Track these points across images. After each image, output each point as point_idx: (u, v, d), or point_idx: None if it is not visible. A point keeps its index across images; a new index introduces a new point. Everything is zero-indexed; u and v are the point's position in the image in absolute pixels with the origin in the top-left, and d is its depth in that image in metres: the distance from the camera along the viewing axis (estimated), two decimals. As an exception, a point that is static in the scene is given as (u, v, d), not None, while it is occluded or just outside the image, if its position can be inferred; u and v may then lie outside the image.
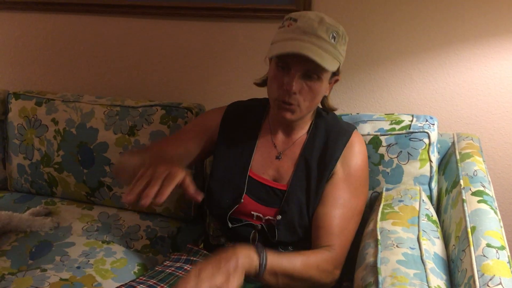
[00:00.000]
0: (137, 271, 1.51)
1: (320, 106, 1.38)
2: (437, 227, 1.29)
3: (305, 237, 1.30)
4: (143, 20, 1.94)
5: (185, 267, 1.34)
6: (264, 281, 1.13)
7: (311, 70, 1.20)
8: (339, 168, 1.32)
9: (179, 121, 1.69)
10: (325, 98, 1.35)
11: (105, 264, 1.50)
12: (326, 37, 1.19)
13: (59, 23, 2.05)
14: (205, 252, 1.41)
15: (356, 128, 1.40)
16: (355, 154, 1.34)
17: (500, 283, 0.95)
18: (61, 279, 1.41)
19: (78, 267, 1.48)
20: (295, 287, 1.19)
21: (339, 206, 1.28)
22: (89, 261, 1.51)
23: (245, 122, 1.40)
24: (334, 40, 1.20)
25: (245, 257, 1.09)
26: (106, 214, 1.76)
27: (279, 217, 1.29)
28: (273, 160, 1.36)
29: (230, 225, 1.32)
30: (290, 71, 1.21)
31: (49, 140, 1.82)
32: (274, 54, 1.20)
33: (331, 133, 1.34)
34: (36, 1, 2.02)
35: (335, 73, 1.29)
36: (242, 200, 1.32)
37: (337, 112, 1.47)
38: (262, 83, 1.38)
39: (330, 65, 1.20)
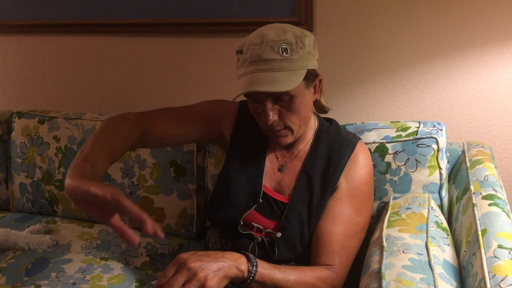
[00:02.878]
0: (134, 288, 1.45)
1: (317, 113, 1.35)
2: (448, 234, 1.22)
3: (306, 254, 1.25)
4: (147, 39, 1.95)
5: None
6: None
7: (277, 95, 1.14)
8: (342, 181, 1.26)
9: (180, 135, 1.66)
10: (317, 102, 1.29)
11: (102, 280, 1.45)
12: (275, 55, 1.12)
13: (64, 44, 2.07)
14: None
15: (360, 139, 1.34)
16: (360, 167, 1.28)
17: (514, 283, 0.88)
18: (54, 295, 1.37)
19: (74, 283, 1.43)
20: None
21: (341, 223, 1.23)
22: (85, 277, 1.46)
23: (255, 129, 1.31)
24: (287, 52, 1.12)
25: (233, 261, 1.04)
26: (106, 232, 1.71)
27: (279, 234, 1.24)
28: (276, 172, 1.31)
29: (239, 229, 1.26)
30: (259, 101, 1.17)
31: (50, 158, 1.80)
32: (234, 97, 1.15)
33: (334, 145, 1.29)
34: (42, 23, 2.05)
35: (311, 78, 1.21)
36: (261, 200, 1.27)
37: (341, 122, 1.43)
38: None
39: (290, 83, 1.12)
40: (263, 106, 1.16)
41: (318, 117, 1.36)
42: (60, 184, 1.79)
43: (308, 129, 1.31)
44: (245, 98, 1.23)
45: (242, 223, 1.26)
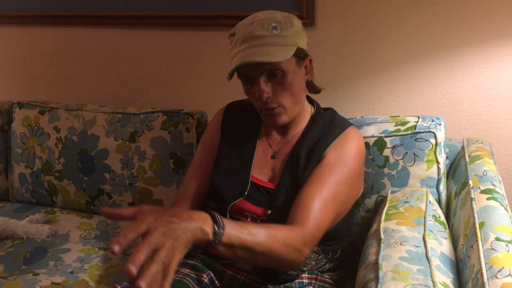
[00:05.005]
0: (131, 279, 1.45)
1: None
2: (445, 228, 1.22)
3: None
4: (149, 31, 1.95)
5: (182, 270, 1.30)
6: (218, 252, 0.97)
7: (270, 70, 1.18)
8: (329, 152, 1.24)
9: (180, 127, 1.66)
10: (309, 83, 1.31)
11: (100, 269, 1.45)
12: (265, 32, 1.16)
13: (66, 36, 2.07)
14: (202, 256, 1.35)
15: (354, 125, 1.34)
16: (349, 141, 1.27)
17: (510, 274, 0.88)
18: (52, 283, 1.37)
19: (72, 272, 1.43)
20: (255, 262, 1.10)
21: (322, 187, 1.19)
22: (83, 266, 1.47)
23: (244, 122, 1.38)
24: (276, 30, 1.17)
25: (200, 222, 0.92)
26: (105, 223, 1.72)
27: (269, 211, 1.25)
28: (268, 160, 1.32)
29: (228, 217, 1.27)
30: (254, 80, 1.20)
31: (50, 148, 1.81)
32: (228, 74, 1.19)
33: (327, 127, 1.30)
34: (44, 14, 2.05)
35: (302, 56, 1.24)
36: (246, 193, 1.28)
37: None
38: None
39: (281, 56, 1.15)
40: (257, 83, 1.19)
41: (316, 104, 1.37)
42: (60, 175, 1.79)
43: (303, 114, 1.32)
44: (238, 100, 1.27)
45: (228, 215, 1.27)
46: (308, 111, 1.34)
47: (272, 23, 1.17)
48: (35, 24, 2.10)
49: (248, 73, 1.20)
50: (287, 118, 1.24)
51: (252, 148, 1.34)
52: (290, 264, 1.11)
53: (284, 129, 1.33)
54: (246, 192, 1.29)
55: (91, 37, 2.04)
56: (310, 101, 1.37)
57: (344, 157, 1.24)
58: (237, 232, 0.99)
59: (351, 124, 1.33)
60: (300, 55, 1.23)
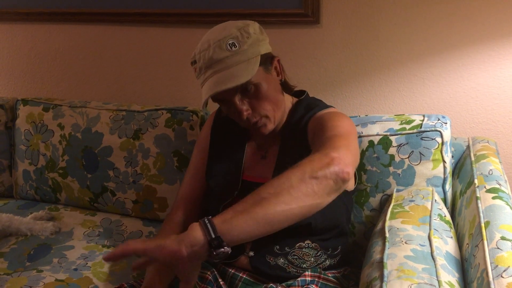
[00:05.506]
0: (135, 275, 1.45)
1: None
2: (451, 227, 1.22)
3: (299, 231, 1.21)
4: (153, 29, 1.94)
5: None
6: (233, 242, 0.91)
7: (242, 88, 1.17)
8: (310, 125, 1.23)
9: (184, 124, 1.66)
10: (283, 82, 1.30)
11: (104, 267, 1.45)
12: (226, 53, 1.14)
13: (71, 33, 2.07)
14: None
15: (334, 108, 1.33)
16: (328, 110, 1.27)
17: (516, 274, 0.87)
18: (56, 280, 1.37)
19: (75, 269, 1.43)
20: (287, 216, 0.94)
21: (329, 129, 1.14)
22: (87, 263, 1.46)
23: (234, 123, 1.34)
24: (235, 46, 1.15)
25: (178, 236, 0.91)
26: (108, 220, 1.72)
27: None
28: (259, 160, 1.33)
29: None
30: (229, 101, 1.19)
31: (54, 145, 1.81)
32: (202, 104, 1.17)
33: (308, 108, 1.29)
34: (49, 11, 2.05)
35: (267, 62, 1.21)
36: (237, 192, 1.28)
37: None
38: None
39: (248, 73, 1.14)
40: (233, 104, 1.18)
41: (292, 92, 1.36)
42: (64, 172, 1.79)
43: (285, 111, 1.31)
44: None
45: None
46: (288, 105, 1.33)
47: (229, 41, 1.15)
48: (40, 21, 2.10)
49: (221, 97, 1.19)
50: (272, 125, 1.24)
51: (241, 149, 1.35)
52: (332, 180, 0.95)
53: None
54: (236, 192, 1.29)
55: (96, 34, 2.03)
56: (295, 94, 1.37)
57: (330, 115, 1.22)
58: (227, 213, 0.92)
59: (332, 106, 1.32)
60: (266, 61, 1.22)
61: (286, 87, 1.33)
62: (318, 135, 1.15)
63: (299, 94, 1.38)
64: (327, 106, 1.31)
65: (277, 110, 1.24)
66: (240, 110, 1.18)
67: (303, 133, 1.25)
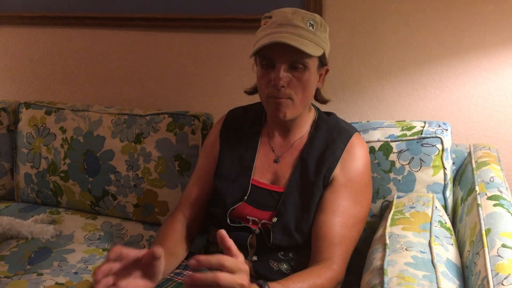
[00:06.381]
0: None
1: (314, 100, 1.36)
2: (451, 234, 1.21)
3: (304, 243, 1.24)
4: (157, 33, 1.95)
5: (185, 273, 1.29)
6: None
7: (295, 60, 1.19)
8: (338, 173, 1.26)
9: (185, 129, 1.66)
10: (318, 91, 1.32)
11: (104, 271, 1.45)
12: (303, 25, 1.19)
13: (74, 37, 2.08)
14: (206, 259, 1.35)
15: (358, 131, 1.35)
16: (356, 157, 1.28)
17: (517, 282, 0.87)
18: (56, 283, 1.38)
19: (76, 273, 1.44)
20: None
21: (339, 214, 1.22)
22: (87, 267, 1.47)
23: (246, 126, 1.39)
24: (313, 28, 1.20)
25: None
26: (109, 224, 1.72)
27: (274, 219, 1.25)
28: (271, 164, 1.33)
29: (229, 221, 1.28)
30: (275, 66, 1.20)
31: (56, 149, 1.81)
32: (254, 50, 1.20)
33: (332, 133, 1.31)
34: (53, 15, 2.06)
35: (323, 63, 1.26)
36: (246, 197, 1.28)
37: (347, 120, 1.42)
38: (253, 91, 1.36)
39: (312, 50, 1.17)
40: (277, 69, 1.19)
41: (318, 109, 1.37)
42: (65, 175, 1.79)
43: (306, 119, 1.32)
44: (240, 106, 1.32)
45: (229, 220, 1.28)
46: (310, 116, 1.34)
47: (310, 20, 1.20)
48: (44, 25, 2.11)
49: (272, 56, 1.19)
50: (291, 114, 1.24)
51: (253, 153, 1.34)
52: None
53: (285, 132, 1.33)
54: (246, 197, 1.29)
55: (99, 38, 2.04)
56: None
57: (355, 176, 1.26)
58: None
59: (355, 130, 1.33)
60: (323, 61, 1.26)
61: (318, 97, 1.35)
62: (332, 205, 1.23)
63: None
64: (348, 136, 1.29)
65: (303, 103, 1.25)
66: (280, 77, 1.18)
67: (325, 168, 1.25)
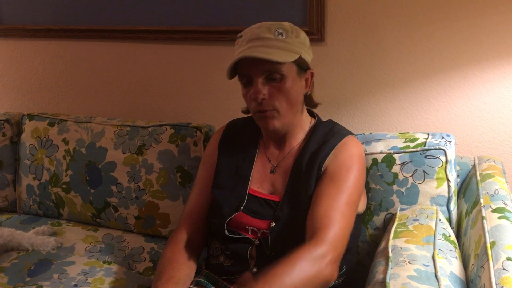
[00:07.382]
0: (137, 292, 1.44)
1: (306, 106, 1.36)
2: (455, 247, 1.20)
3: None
4: (160, 46, 1.96)
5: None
6: None
7: (269, 70, 1.20)
8: (330, 164, 1.24)
9: (187, 140, 1.66)
10: (309, 96, 1.32)
11: (104, 283, 1.44)
12: (271, 35, 1.20)
13: (78, 49, 2.09)
14: (206, 271, 1.34)
15: (355, 135, 1.34)
16: (348, 150, 1.26)
17: (522, 296, 0.85)
18: (55, 296, 1.36)
19: (75, 285, 1.42)
20: None
21: (324, 199, 1.19)
22: (87, 279, 1.45)
23: (244, 138, 1.39)
24: (282, 36, 1.21)
25: None
26: (110, 236, 1.71)
27: (273, 224, 1.24)
28: (268, 174, 1.33)
29: (227, 232, 1.27)
30: (253, 81, 1.21)
31: (58, 160, 1.81)
32: (227, 71, 1.23)
33: (327, 135, 1.30)
34: (57, 28, 2.07)
35: (303, 68, 1.26)
36: (242, 208, 1.28)
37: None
38: (247, 110, 1.35)
39: (281, 57, 1.18)
40: (255, 83, 1.20)
41: (317, 117, 1.37)
42: (67, 187, 1.79)
43: (300, 127, 1.32)
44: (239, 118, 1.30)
45: (227, 231, 1.27)
46: (307, 123, 1.34)
47: (278, 29, 1.21)
48: (48, 38, 2.12)
49: (247, 72, 1.21)
50: (279, 124, 1.24)
51: (250, 163, 1.34)
52: (325, 279, 1.12)
53: (281, 142, 1.33)
54: (242, 206, 1.28)
55: (103, 51, 2.05)
56: (311, 114, 1.38)
57: (346, 164, 1.24)
58: None
59: (350, 133, 1.33)
60: (302, 66, 1.25)
61: (309, 101, 1.34)
62: (326, 191, 1.20)
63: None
64: (342, 136, 1.29)
65: (290, 112, 1.25)
66: (258, 90, 1.20)
67: (316, 165, 1.25)
